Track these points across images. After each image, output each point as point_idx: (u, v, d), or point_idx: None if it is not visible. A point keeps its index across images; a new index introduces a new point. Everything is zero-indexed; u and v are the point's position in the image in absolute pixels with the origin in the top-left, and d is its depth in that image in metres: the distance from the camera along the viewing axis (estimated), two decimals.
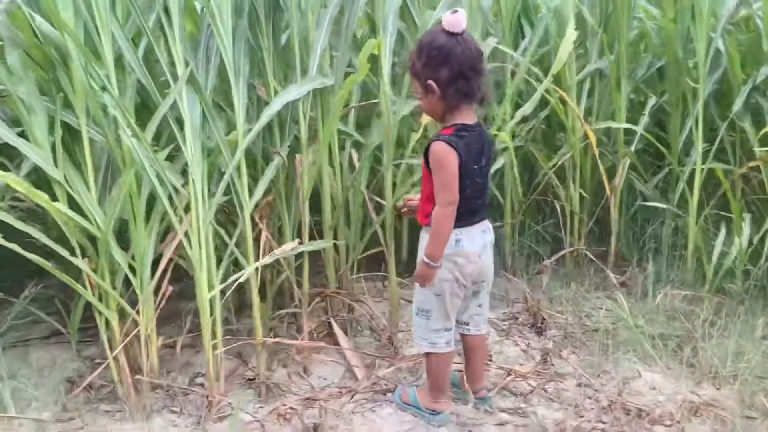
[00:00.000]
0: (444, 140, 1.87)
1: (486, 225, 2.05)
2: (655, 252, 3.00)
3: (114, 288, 2.06)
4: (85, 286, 2.01)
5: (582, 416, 2.11)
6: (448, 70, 1.85)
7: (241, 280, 2.13)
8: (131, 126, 1.94)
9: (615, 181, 3.03)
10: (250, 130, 2.16)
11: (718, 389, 2.23)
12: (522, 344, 2.58)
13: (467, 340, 2.18)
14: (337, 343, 2.48)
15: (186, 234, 2.06)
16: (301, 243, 2.33)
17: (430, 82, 1.88)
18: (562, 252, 3.10)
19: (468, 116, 1.94)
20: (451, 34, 1.85)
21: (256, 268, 2.20)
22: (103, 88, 1.93)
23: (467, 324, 2.16)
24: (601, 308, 2.75)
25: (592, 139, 2.89)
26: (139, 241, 2.05)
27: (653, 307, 2.65)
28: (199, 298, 2.07)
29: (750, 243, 2.70)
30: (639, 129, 3.03)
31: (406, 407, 2.16)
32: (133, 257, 2.07)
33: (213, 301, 2.09)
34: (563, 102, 2.94)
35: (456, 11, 1.85)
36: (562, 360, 2.45)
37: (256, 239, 2.26)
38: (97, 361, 2.30)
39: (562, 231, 3.14)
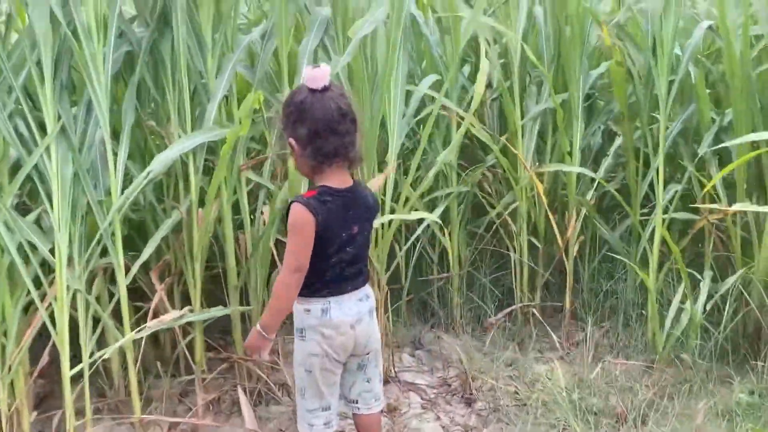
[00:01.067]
0: (303, 202, 1.69)
1: (364, 292, 1.85)
2: (611, 311, 2.72)
3: None
4: None
5: None
6: (305, 128, 1.69)
7: (106, 356, 1.96)
8: None
9: (567, 232, 2.77)
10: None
11: None
12: (445, 419, 2.33)
13: (357, 419, 1.96)
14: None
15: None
16: (191, 311, 2.16)
17: (290, 140, 1.72)
18: (510, 308, 2.84)
19: (336, 178, 1.75)
20: (312, 91, 1.68)
21: (135, 340, 2.03)
22: None
23: (356, 402, 1.94)
24: (542, 375, 2.48)
25: (538, 186, 2.65)
26: (6, 317, 1.91)
27: (594, 379, 2.37)
28: (62, 375, 1.91)
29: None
30: (597, 175, 2.78)
31: None
32: None
33: (81, 377, 1.93)
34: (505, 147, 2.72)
35: (318, 66, 1.69)
36: None
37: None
38: None
39: (513, 284, 2.89)
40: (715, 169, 2.62)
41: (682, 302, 2.41)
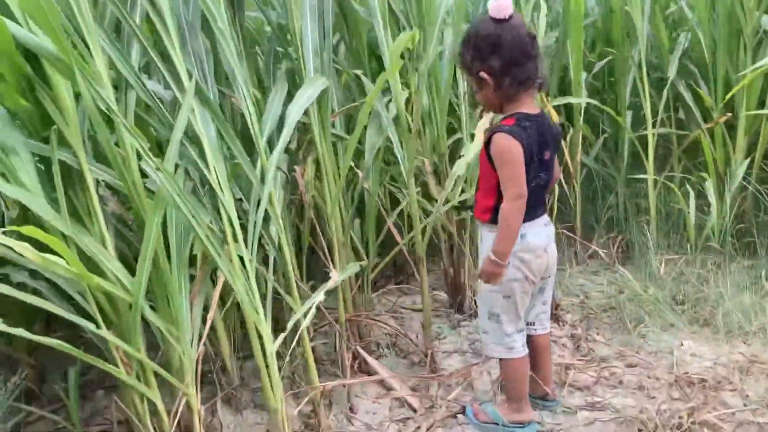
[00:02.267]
0: (506, 131, 1.71)
1: (546, 218, 1.93)
2: (615, 223, 3.08)
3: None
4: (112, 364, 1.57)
5: (654, 396, 2.09)
6: (498, 58, 1.70)
7: (305, 324, 1.80)
8: (149, 157, 1.54)
9: (576, 156, 3.06)
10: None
11: (749, 346, 2.33)
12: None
13: (535, 340, 2.04)
14: (369, 372, 2.23)
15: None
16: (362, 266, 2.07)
17: (482, 73, 1.73)
18: None
19: (528, 105, 1.79)
20: (498, 21, 1.70)
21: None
22: (109, 110, 1.51)
23: (533, 324, 2.03)
24: (602, 284, 2.76)
25: (554, 116, 2.88)
26: (175, 300, 1.65)
27: (656, 275, 2.71)
28: (264, 353, 1.71)
29: None
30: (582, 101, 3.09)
31: (486, 426, 1.98)
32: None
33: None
34: None
35: None
36: (595, 343, 2.42)
37: None
38: None
39: None
40: (683, 89, 3.11)
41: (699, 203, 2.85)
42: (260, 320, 1.69)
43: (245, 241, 1.72)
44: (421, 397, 2.15)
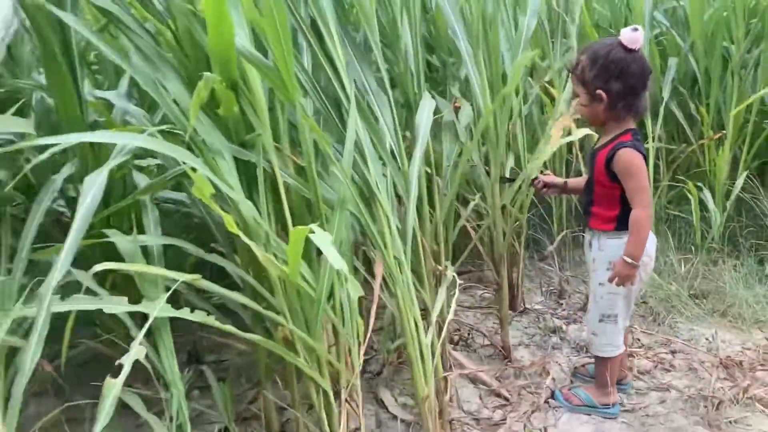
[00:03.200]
0: (630, 146, 1.96)
1: None
2: None
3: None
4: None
5: (703, 378, 2.41)
6: (621, 84, 1.95)
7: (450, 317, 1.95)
8: (335, 164, 1.65)
9: None
10: None
11: (764, 332, 2.72)
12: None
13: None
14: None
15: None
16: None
17: (600, 92, 1.96)
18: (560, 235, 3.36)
19: (631, 124, 2.05)
20: (628, 50, 1.94)
21: None
22: (305, 118, 1.60)
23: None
24: None
25: None
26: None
27: (676, 272, 3.07)
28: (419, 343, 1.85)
29: None
30: None
31: (578, 409, 2.22)
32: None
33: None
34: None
35: (636, 28, 1.95)
36: (638, 334, 2.72)
37: None
38: None
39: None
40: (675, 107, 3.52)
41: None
42: (417, 314, 1.84)
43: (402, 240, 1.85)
44: (507, 386, 2.36)
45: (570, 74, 2.13)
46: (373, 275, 1.81)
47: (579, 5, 3.13)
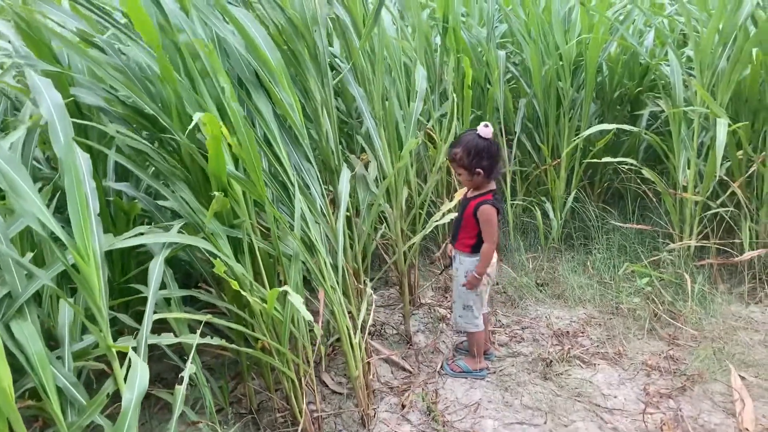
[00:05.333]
0: (490, 203, 2.98)
1: None
2: None
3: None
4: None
5: (543, 345, 3.51)
6: (487, 160, 2.96)
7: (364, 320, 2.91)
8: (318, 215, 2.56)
9: None
10: None
11: (586, 309, 3.87)
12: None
13: (484, 317, 3.35)
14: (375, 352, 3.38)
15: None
16: None
17: (478, 169, 2.96)
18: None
19: (492, 185, 3.07)
20: (485, 139, 2.95)
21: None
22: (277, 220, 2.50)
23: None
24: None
25: None
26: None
27: (525, 267, 4.19)
28: (349, 336, 2.79)
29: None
30: None
31: (459, 375, 3.25)
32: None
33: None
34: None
35: (487, 125, 2.95)
36: (499, 316, 3.80)
37: None
38: None
39: None
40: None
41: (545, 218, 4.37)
42: (348, 323, 2.78)
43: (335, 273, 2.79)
44: (410, 363, 3.36)
45: (451, 162, 3.11)
46: (317, 299, 2.74)
47: (450, 68, 4.14)
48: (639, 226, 4.16)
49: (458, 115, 4.16)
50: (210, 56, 2.23)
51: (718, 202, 4.00)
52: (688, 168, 4.00)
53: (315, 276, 2.68)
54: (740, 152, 3.95)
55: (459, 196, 3.39)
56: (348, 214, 3.22)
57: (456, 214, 3.24)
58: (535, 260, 4.26)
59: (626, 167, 4.56)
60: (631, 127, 4.12)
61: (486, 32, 4.42)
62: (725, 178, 4.02)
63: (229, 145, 2.23)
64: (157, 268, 2.17)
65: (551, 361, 3.32)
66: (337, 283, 2.77)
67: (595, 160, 4.33)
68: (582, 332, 3.62)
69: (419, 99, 3.42)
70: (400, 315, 3.76)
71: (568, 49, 4.32)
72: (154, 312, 2.14)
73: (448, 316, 3.80)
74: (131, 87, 2.33)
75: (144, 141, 2.38)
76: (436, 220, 3.49)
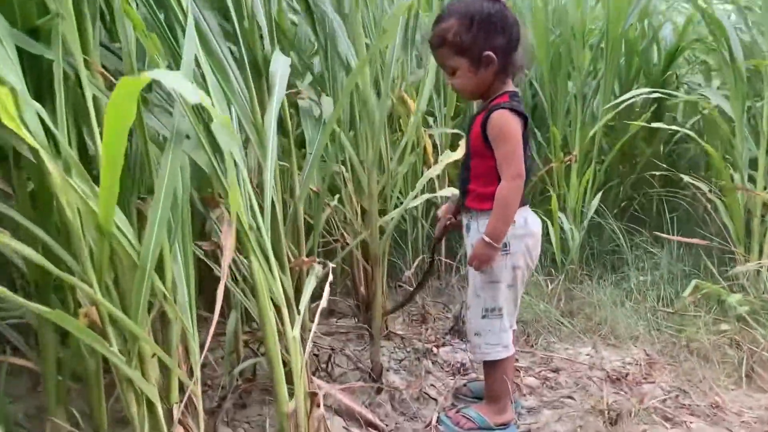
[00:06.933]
0: (506, 107, 1.69)
1: None
2: None
3: None
4: None
5: (593, 393, 2.14)
6: (504, 38, 1.71)
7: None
8: None
9: None
10: None
11: (638, 348, 2.55)
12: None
13: None
14: None
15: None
16: None
17: (489, 53, 1.71)
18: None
19: (511, 85, 1.81)
20: (496, 1, 1.72)
21: None
22: None
23: None
24: None
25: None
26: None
27: (544, 291, 2.86)
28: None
29: None
30: None
31: None
32: None
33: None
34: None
35: None
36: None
37: None
38: None
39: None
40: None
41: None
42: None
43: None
44: (382, 414, 1.91)
45: (435, 51, 1.83)
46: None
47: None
48: (694, 240, 2.96)
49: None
50: None
51: None
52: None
53: (218, 185, 1.29)
54: None
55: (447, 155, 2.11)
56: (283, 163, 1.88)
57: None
58: (552, 282, 2.94)
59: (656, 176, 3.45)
60: (674, 93, 3.02)
61: None
62: None
63: None
64: None
65: (617, 416, 1.95)
66: (262, 219, 1.39)
67: (639, 122, 3.09)
68: (645, 378, 2.28)
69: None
70: (359, 346, 2.34)
71: (580, 15, 3.26)
72: None
73: (435, 350, 2.39)
74: None
75: None
76: (419, 192, 2.20)
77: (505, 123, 1.68)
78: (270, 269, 1.36)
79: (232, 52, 1.55)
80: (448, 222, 1.99)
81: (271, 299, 1.39)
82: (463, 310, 2.60)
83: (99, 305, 1.09)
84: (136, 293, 1.13)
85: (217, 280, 1.17)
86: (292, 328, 1.38)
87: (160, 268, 1.19)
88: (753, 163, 2.96)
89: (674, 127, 3.16)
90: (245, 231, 1.31)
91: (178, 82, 0.81)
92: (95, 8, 1.20)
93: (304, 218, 2.00)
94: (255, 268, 1.32)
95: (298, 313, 1.45)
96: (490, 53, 1.70)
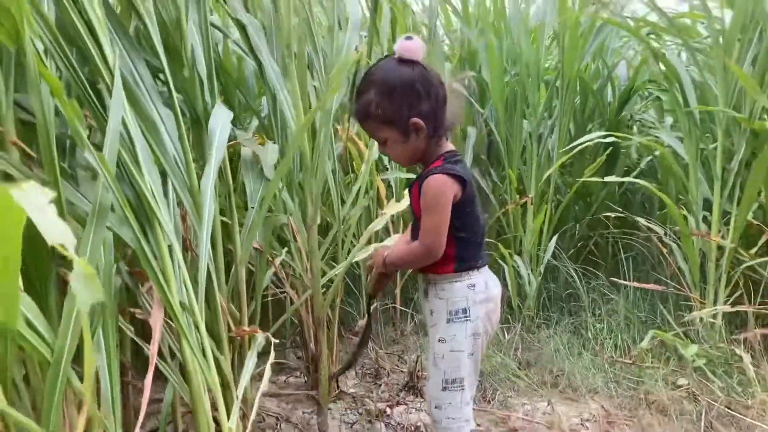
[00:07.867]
0: (437, 173, 1.56)
1: None
2: None
3: None
4: None
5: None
6: (430, 102, 1.58)
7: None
8: None
9: None
10: None
11: (596, 401, 2.48)
12: None
13: None
14: None
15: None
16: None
17: (416, 120, 1.58)
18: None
19: (447, 145, 1.70)
20: (410, 63, 1.58)
21: None
22: None
23: None
24: None
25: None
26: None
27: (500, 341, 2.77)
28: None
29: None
30: None
31: None
32: None
33: None
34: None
35: (410, 37, 1.59)
36: None
37: None
38: None
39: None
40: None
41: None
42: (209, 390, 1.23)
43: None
44: None
45: (361, 124, 1.68)
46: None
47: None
48: (650, 286, 2.92)
49: None
50: None
51: (753, 251, 2.87)
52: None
53: (145, 264, 1.16)
54: None
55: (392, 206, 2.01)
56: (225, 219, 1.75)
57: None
58: (509, 331, 2.86)
59: (611, 217, 3.42)
60: (627, 136, 3.01)
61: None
62: (754, 221, 2.94)
63: None
64: None
65: None
66: (195, 297, 1.26)
67: (592, 179, 3.05)
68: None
69: (353, 29, 2.11)
70: (309, 407, 2.20)
71: (534, 54, 3.24)
72: None
73: (388, 411, 2.27)
74: None
75: None
76: (368, 242, 2.10)
77: (434, 193, 1.55)
78: (204, 353, 1.22)
79: (169, 105, 1.44)
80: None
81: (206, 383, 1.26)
82: (418, 364, 2.50)
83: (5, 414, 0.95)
84: (48, 395, 0.99)
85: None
86: (228, 418, 1.24)
87: (79, 357, 1.05)
88: (708, 203, 2.94)
89: (627, 179, 3.13)
90: (175, 314, 1.18)
91: (41, 215, 0.64)
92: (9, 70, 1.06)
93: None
94: (187, 355, 1.19)
95: (237, 398, 1.31)
96: (418, 120, 1.57)
